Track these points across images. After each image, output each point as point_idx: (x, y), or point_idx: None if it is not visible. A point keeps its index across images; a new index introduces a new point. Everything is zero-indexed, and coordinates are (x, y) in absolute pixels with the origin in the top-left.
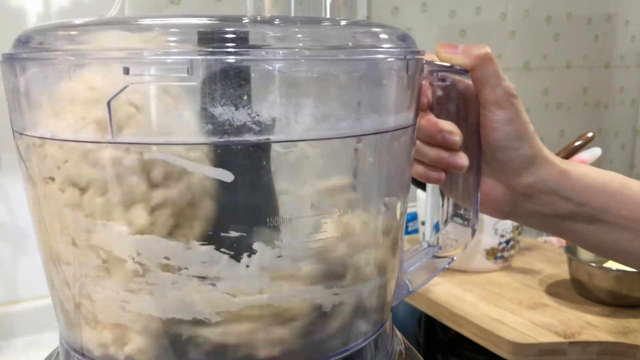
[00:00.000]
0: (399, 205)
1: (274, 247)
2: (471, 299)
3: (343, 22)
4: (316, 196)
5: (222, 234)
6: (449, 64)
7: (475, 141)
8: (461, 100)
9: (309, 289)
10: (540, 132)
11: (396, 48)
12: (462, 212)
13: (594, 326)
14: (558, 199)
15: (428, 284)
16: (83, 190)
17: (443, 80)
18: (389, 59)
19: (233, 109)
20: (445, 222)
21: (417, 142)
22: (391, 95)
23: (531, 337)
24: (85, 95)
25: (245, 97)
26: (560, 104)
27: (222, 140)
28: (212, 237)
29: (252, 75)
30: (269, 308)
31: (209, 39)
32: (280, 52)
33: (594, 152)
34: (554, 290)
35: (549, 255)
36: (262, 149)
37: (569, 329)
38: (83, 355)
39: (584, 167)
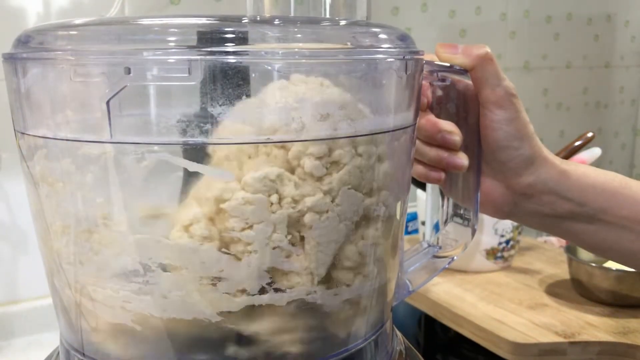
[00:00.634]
0: (399, 205)
1: (275, 247)
2: (471, 299)
3: (342, 22)
4: (316, 196)
5: (222, 234)
6: (448, 64)
7: (475, 141)
8: (461, 100)
9: (309, 289)
10: (540, 132)
11: (396, 48)
12: (462, 212)
13: (594, 326)
14: (558, 199)
15: (428, 284)
16: (84, 190)
17: (443, 80)
18: (389, 59)
19: (232, 108)
20: (445, 222)
21: (417, 142)
22: (391, 96)
23: (531, 337)
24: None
25: (244, 97)
26: (560, 104)
27: (221, 140)
28: (213, 237)
29: (252, 75)
30: (269, 308)
31: (209, 39)
32: (280, 52)
33: (594, 152)
34: (554, 290)
35: (549, 255)
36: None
37: (569, 329)
38: (83, 354)
39: (584, 167)
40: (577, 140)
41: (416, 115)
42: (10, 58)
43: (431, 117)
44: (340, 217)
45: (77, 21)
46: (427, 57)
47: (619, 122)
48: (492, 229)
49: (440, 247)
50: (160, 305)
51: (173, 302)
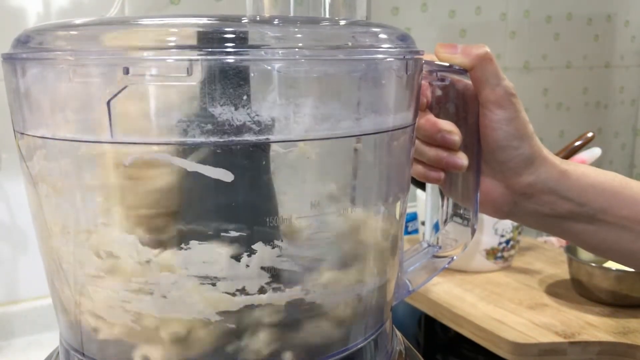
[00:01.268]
0: (398, 205)
1: (274, 246)
2: (471, 299)
3: (342, 22)
4: (316, 196)
5: (222, 234)
6: (448, 64)
7: (474, 141)
8: (460, 100)
9: (309, 289)
10: (540, 132)
11: (395, 48)
12: (461, 212)
13: (594, 326)
14: (558, 199)
15: (428, 284)
16: (83, 189)
17: (442, 80)
18: (389, 59)
19: (232, 108)
20: (445, 222)
21: (417, 141)
22: (390, 95)
23: (531, 337)
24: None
25: (244, 97)
26: (560, 104)
27: (221, 140)
28: (212, 237)
29: (252, 75)
30: (268, 308)
31: (209, 39)
32: (280, 52)
33: (594, 152)
34: (554, 290)
35: (549, 255)
36: (261, 149)
37: (569, 329)
38: (83, 354)
39: (584, 167)
40: (577, 140)
41: (415, 115)
42: (9, 58)
43: (431, 117)
44: (340, 217)
45: (77, 21)
46: (426, 57)
47: (619, 122)
48: (492, 229)
49: (440, 247)
50: (160, 305)
51: (172, 302)
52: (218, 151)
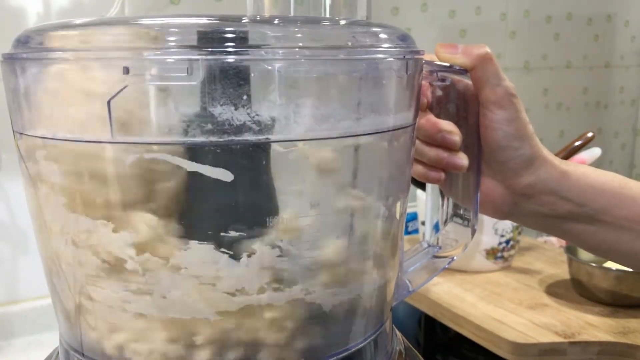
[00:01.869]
0: (398, 205)
1: (274, 246)
2: (471, 299)
3: (343, 22)
4: (316, 196)
5: (221, 234)
6: (448, 64)
7: (475, 141)
8: (461, 100)
9: (309, 289)
10: (540, 132)
11: (396, 48)
12: (462, 212)
13: (594, 326)
14: (557, 200)
15: (428, 284)
16: (83, 190)
17: (443, 80)
18: (389, 59)
19: (232, 108)
20: (445, 222)
21: (417, 142)
22: (391, 95)
23: (531, 337)
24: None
25: (244, 97)
26: (560, 104)
27: (221, 140)
28: (212, 237)
29: (252, 75)
30: (268, 308)
31: (209, 38)
32: (280, 51)
33: (594, 152)
34: (554, 290)
35: (549, 255)
36: (261, 149)
37: (569, 329)
38: (83, 355)
39: (584, 167)
40: (577, 140)
41: (416, 115)
42: (9, 58)
43: (431, 117)
44: (340, 217)
45: (77, 21)
46: (427, 57)
47: (619, 122)
48: (492, 229)
49: (440, 247)
50: (160, 305)
51: (172, 302)
52: (218, 151)
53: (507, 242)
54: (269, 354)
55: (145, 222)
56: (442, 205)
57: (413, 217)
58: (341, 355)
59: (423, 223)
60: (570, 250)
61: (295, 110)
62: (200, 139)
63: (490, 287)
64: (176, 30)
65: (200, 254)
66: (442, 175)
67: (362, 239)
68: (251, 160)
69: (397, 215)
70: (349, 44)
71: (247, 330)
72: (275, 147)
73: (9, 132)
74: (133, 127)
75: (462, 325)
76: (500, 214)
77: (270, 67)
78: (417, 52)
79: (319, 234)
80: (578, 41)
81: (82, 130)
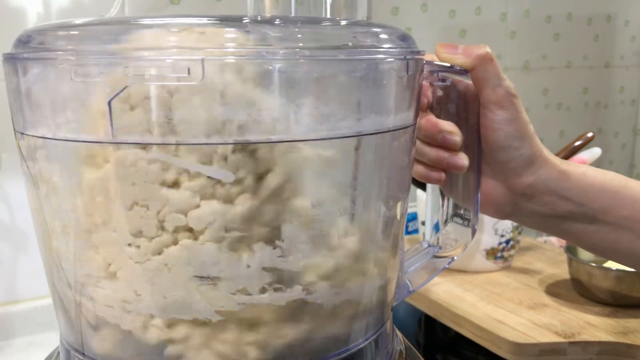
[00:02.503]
0: (399, 205)
1: (275, 247)
2: (471, 299)
3: (343, 22)
4: (316, 196)
5: (223, 234)
6: (449, 64)
7: (475, 141)
8: (461, 100)
9: (310, 289)
10: (540, 132)
11: (396, 48)
12: (462, 212)
13: (594, 326)
14: (558, 199)
15: (428, 284)
16: (84, 189)
17: (443, 80)
18: (389, 59)
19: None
20: (445, 222)
21: (417, 142)
22: (391, 96)
23: (531, 337)
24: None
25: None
26: (560, 104)
27: (222, 140)
28: (213, 237)
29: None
30: (269, 307)
31: (209, 39)
32: (281, 52)
33: (594, 152)
34: (554, 290)
35: (549, 255)
36: (262, 149)
37: (569, 329)
38: (83, 354)
39: (584, 167)
40: (577, 140)
41: (416, 116)
42: (10, 58)
43: (431, 118)
44: (341, 217)
45: (78, 21)
46: (427, 57)
47: (619, 122)
48: (492, 229)
49: (440, 247)
50: (161, 305)
51: (173, 302)
52: (219, 151)
53: (507, 242)
54: (269, 353)
55: (145, 222)
56: (442, 205)
57: (413, 217)
58: (342, 355)
59: (423, 223)
60: (570, 250)
61: (295, 110)
62: (201, 139)
63: (490, 287)
64: (176, 30)
65: (201, 254)
66: (443, 175)
67: (363, 239)
68: (253, 160)
69: (398, 216)
70: (350, 44)
71: (247, 329)
72: (276, 147)
73: (8, 132)
74: (133, 127)
75: (462, 325)
76: (501, 214)
77: (270, 68)
78: (418, 52)
79: (320, 234)
80: (578, 41)
81: (83, 130)
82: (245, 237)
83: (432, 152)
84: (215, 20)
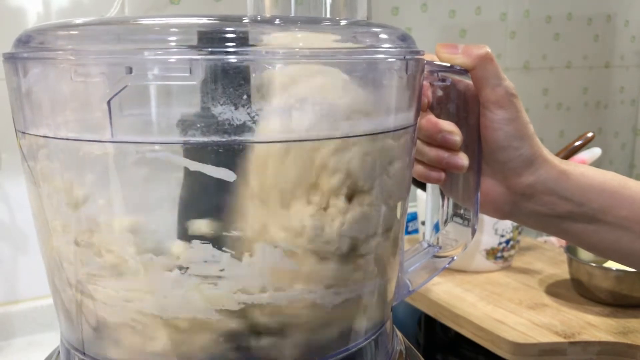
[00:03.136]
0: (399, 205)
1: (276, 246)
2: (471, 299)
3: (343, 22)
4: (316, 196)
5: (223, 233)
6: (449, 64)
7: (475, 141)
8: (461, 100)
9: (310, 289)
10: (540, 132)
11: (396, 48)
12: (462, 212)
13: (594, 326)
14: (557, 199)
15: (428, 284)
16: (85, 189)
17: (443, 80)
18: (389, 59)
19: (233, 108)
20: (445, 222)
21: (417, 142)
22: (391, 96)
23: (531, 337)
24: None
25: (244, 97)
26: (560, 104)
27: (222, 139)
28: (214, 236)
29: (252, 75)
30: (269, 307)
31: (209, 38)
32: (280, 51)
33: (594, 152)
34: (554, 290)
35: (549, 255)
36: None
37: (569, 329)
38: (84, 354)
39: (583, 167)
40: (577, 140)
41: (417, 116)
42: (10, 58)
43: (431, 117)
44: (341, 217)
45: (78, 21)
46: (427, 57)
47: (619, 122)
48: (492, 229)
49: (440, 247)
50: (161, 305)
51: (173, 301)
52: (220, 151)
53: (507, 242)
54: (269, 353)
55: (146, 221)
56: (442, 205)
57: (413, 217)
58: (342, 355)
59: (423, 223)
60: (570, 250)
61: (295, 111)
62: (201, 138)
63: (490, 287)
64: (176, 30)
65: (202, 253)
66: (443, 175)
67: (363, 239)
68: (252, 159)
69: (398, 215)
70: (349, 44)
71: (247, 329)
72: (276, 147)
73: (9, 131)
74: (134, 127)
75: (462, 325)
76: (501, 214)
77: (270, 67)
78: (418, 52)
79: (320, 234)
80: (578, 41)
81: (83, 129)
82: (246, 236)
83: (432, 152)
84: (215, 20)
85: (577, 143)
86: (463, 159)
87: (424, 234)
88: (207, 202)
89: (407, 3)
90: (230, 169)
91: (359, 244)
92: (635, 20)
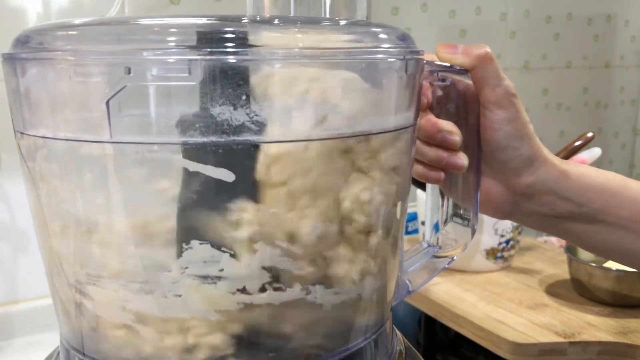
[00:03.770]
0: (399, 205)
1: (275, 246)
2: (471, 299)
3: (342, 22)
4: (316, 196)
5: (223, 233)
6: (448, 64)
7: (475, 141)
8: (461, 100)
9: (310, 289)
10: (540, 132)
11: (396, 48)
12: (462, 212)
13: (594, 326)
14: (557, 199)
15: (428, 284)
16: (84, 190)
17: (443, 80)
18: (389, 59)
19: (231, 108)
20: (445, 222)
21: (417, 142)
22: (391, 96)
23: (531, 337)
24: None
25: (244, 97)
26: (560, 104)
27: (222, 140)
28: (214, 236)
29: (252, 75)
30: (269, 307)
31: (209, 39)
32: (280, 52)
33: (594, 152)
34: (554, 290)
35: (549, 255)
36: (262, 149)
37: (569, 329)
38: (84, 354)
39: (584, 167)
40: (577, 140)
41: (416, 116)
42: (9, 58)
43: (431, 117)
44: (341, 216)
45: (77, 21)
46: (427, 57)
47: (619, 122)
48: (492, 229)
49: (440, 247)
50: (160, 305)
51: (173, 302)
52: (220, 151)
53: (507, 242)
54: (269, 353)
55: (146, 222)
56: (442, 205)
57: (413, 217)
58: (341, 355)
59: (423, 223)
60: (570, 250)
61: (295, 110)
62: (201, 139)
63: (490, 287)
64: (176, 30)
65: (201, 254)
66: (442, 175)
67: (362, 239)
68: (252, 160)
69: (398, 215)
70: (349, 44)
71: (246, 329)
72: (275, 147)
73: (8, 132)
74: (133, 127)
75: (462, 325)
76: (500, 214)
77: (269, 67)
78: (417, 52)
79: (320, 234)
80: (578, 41)
81: (82, 130)
82: (246, 237)
83: (432, 152)
84: (215, 20)
85: (577, 143)
86: (463, 159)
87: (423, 234)
88: (206, 202)
89: (407, 3)
90: (229, 169)
91: (359, 244)
92: (635, 20)
